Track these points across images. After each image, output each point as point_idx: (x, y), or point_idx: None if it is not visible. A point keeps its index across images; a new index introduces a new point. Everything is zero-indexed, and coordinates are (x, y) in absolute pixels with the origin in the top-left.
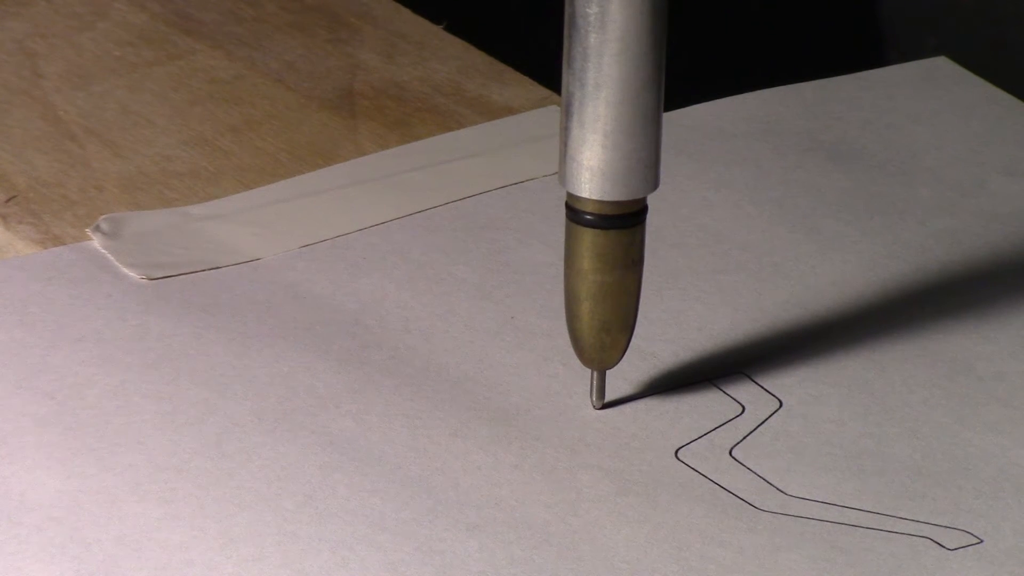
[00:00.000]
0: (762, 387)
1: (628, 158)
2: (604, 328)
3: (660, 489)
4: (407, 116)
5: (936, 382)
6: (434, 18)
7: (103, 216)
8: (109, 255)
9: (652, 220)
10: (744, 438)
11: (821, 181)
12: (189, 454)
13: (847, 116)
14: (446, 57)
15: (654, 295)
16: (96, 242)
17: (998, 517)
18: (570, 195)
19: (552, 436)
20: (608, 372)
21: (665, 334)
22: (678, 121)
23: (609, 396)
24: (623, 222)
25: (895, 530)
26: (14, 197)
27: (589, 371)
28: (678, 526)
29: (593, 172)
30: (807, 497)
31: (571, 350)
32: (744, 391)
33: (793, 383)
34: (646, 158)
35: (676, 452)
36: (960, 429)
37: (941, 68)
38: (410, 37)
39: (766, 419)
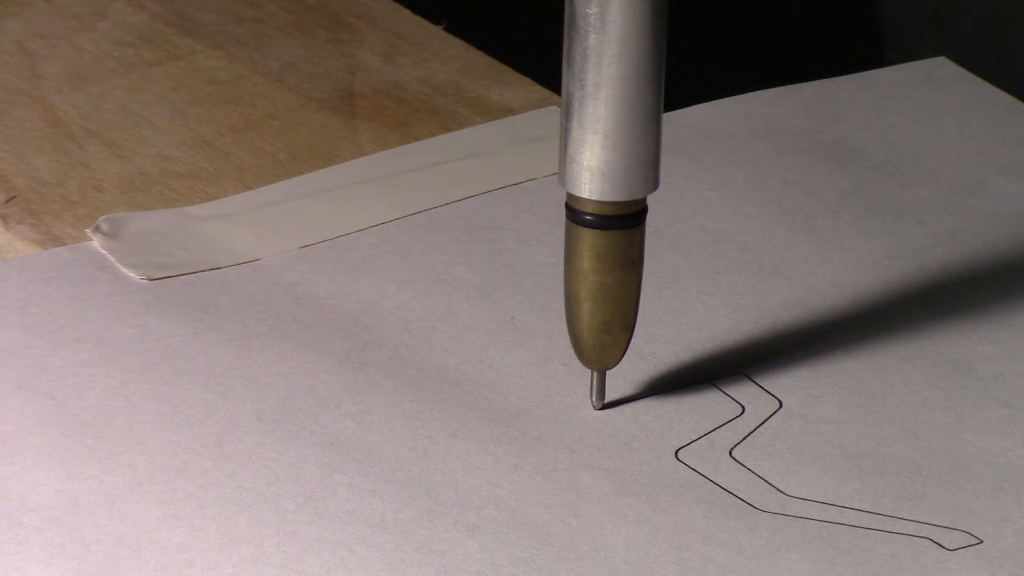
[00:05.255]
0: (762, 387)
1: (628, 158)
2: (604, 328)
3: (660, 489)
4: (407, 116)
5: (936, 383)
6: (434, 18)
7: (103, 216)
8: (109, 255)
9: (652, 220)
10: (744, 438)
11: (821, 181)
12: (189, 454)
13: (847, 116)
14: (446, 57)
15: (654, 295)
16: (96, 242)
17: (998, 517)
18: (570, 195)
19: (552, 436)
20: (608, 372)
21: (665, 334)
22: (678, 121)
23: (609, 396)
24: (623, 223)
25: (895, 530)
26: (14, 197)
27: (589, 371)
28: (678, 526)
29: (593, 173)
30: (807, 497)
31: (571, 350)
32: (744, 391)
33: (793, 383)
34: (646, 158)
35: (676, 452)
36: (960, 429)
37: (941, 68)
38: (410, 37)
39: (766, 419)
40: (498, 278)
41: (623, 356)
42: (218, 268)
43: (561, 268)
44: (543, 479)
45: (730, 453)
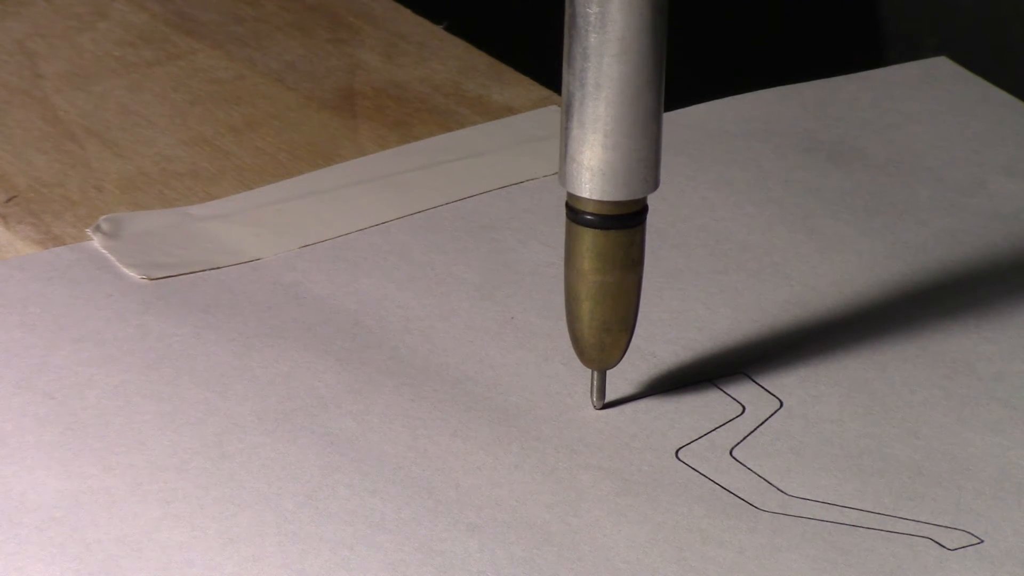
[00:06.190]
0: (762, 387)
1: (628, 158)
2: (604, 328)
3: (660, 489)
4: (407, 116)
5: (936, 382)
6: (434, 18)
7: (103, 216)
8: (109, 255)
9: (652, 220)
10: (744, 438)
11: (821, 181)
12: (189, 454)
13: (847, 116)
14: (446, 57)
15: (654, 295)
16: (96, 242)
17: (998, 517)
18: (570, 195)
19: (552, 436)
20: (608, 372)
21: (665, 334)
22: (678, 121)
23: (609, 396)
24: (623, 222)
25: (895, 530)
26: (14, 197)
27: (589, 371)
28: (678, 526)
29: (593, 172)
30: (807, 497)
31: (571, 350)
32: (744, 391)
33: (793, 383)
34: (646, 158)
35: (676, 452)
36: (960, 429)
37: (941, 68)
38: (410, 37)
39: (766, 419)
40: (498, 278)
41: (623, 356)
42: (218, 268)
43: (561, 268)
44: (543, 479)
45: (730, 453)
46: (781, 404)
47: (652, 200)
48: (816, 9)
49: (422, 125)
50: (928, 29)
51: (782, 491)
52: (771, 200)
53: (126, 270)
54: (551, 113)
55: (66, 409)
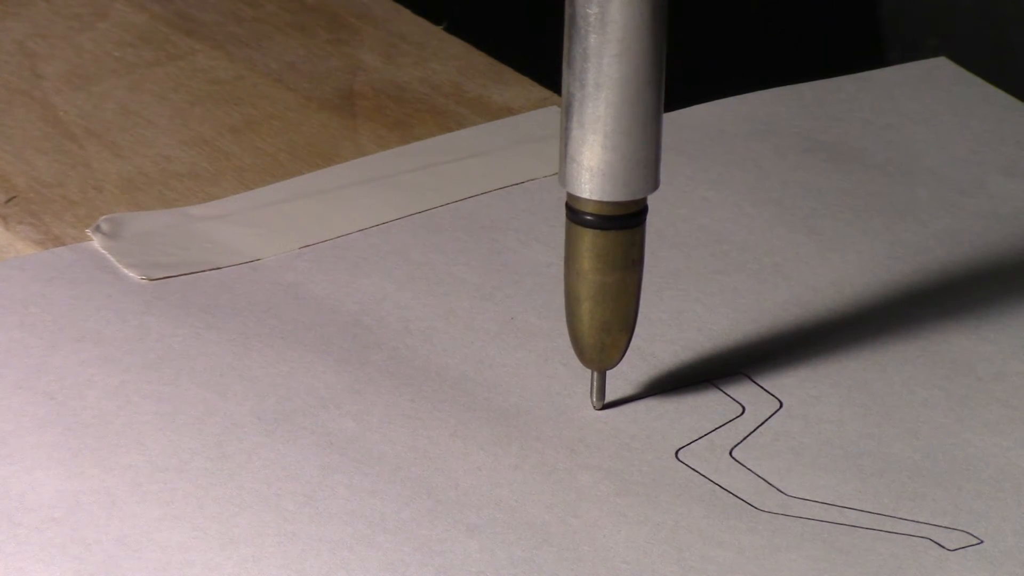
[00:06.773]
0: (762, 387)
1: (628, 158)
2: (604, 328)
3: (660, 490)
4: (407, 116)
5: (936, 382)
6: (434, 18)
7: (103, 216)
8: (109, 255)
9: (652, 220)
10: (744, 439)
11: (821, 181)
12: (189, 454)
13: (847, 116)
14: (446, 57)
15: (654, 295)
16: (96, 242)
17: (998, 517)
18: (570, 195)
19: (552, 436)
20: (608, 372)
21: (665, 334)
22: (678, 121)
23: (609, 396)
24: (623, 223)
25: (895, 530)
26: (14, 197)
27: (589, 371)
28: (678, 526)
29: (593, 172)
30: (807, 498)
31: (571, 350)
32: (744, 391)
33: (793, 383)
34: (646, 158)
35: (676, 453)
36: (960, 429)
37: (941, 68)
38: (410, 37)
39: (766, 419)
40: (498, 278)
41: (623, 356)
42: (218, 268)
43: (561, 268)
44: (543, 479)
45: (730, 453)
46: (781, 404)
47: (652, 200)
48: (816, 9)
49: (422, 125)
50: (928, 29)
51: (782, 491)
52: (771, 200)
53: (126, 270)
54: (551, 113)
55: (66, 409)
